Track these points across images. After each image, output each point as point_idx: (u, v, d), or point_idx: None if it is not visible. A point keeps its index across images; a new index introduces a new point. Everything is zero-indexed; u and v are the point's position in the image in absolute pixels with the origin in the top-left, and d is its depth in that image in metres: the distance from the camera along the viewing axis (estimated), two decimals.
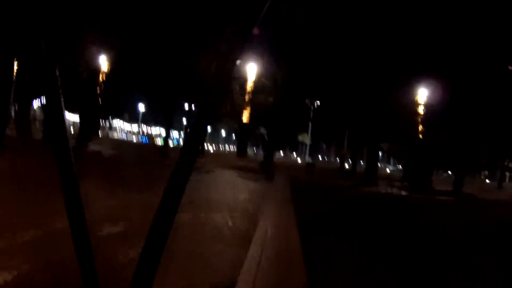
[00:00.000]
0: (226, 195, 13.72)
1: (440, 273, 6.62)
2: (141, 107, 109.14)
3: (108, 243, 6.07)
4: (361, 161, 59.26)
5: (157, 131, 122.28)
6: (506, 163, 53.21)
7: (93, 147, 32.20)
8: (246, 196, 14.20)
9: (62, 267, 4.19)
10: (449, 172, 77.54)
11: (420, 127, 36.61)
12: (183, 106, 45.15)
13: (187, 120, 45.45)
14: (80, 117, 38.01)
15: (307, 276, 5.12)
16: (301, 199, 14.46)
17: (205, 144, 59.87)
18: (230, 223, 8.92)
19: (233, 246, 6.78)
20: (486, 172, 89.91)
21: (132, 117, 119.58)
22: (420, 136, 34.83)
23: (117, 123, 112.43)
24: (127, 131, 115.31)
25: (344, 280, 5.49)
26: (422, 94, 43.63)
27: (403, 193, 24.20)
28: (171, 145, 50.06)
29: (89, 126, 36.25)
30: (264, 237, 7.18)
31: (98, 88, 36.86)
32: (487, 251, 8.83)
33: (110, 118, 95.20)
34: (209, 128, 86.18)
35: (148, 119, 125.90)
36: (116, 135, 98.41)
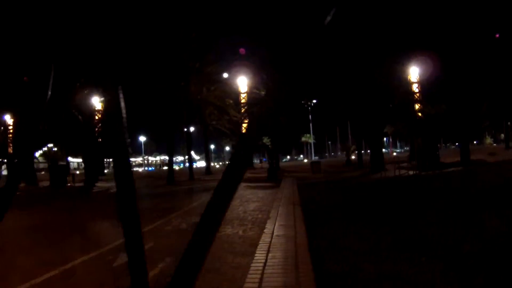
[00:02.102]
0: (236, 208, 13.89)
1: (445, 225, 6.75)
2: (142, 139, 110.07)
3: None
4: (368, 151, 59.39)
5: (163, 158, 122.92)
6: (506, 123, 53.16)
7: (102, 185, 32.39)
8: (256, 205, 14.35)
9: None
10: (456, 144, 77.54)
11: (418, 105, 36.79)
12: (182, 130, 45.41)
13: (188, 143, 45.63)
14: (84, 160, 38.36)
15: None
16: (310, 199, 14.60)
17: (211, 162, 59.91)
18: (240, 233, 9.12)
19: (243, 254, 7.00)
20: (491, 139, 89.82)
21: (134, 150, 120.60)
22: (419, 114, 34.98)
23: None
24: (133, 163, 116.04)
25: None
26: (414, 72, 43.92)
27: (412, 173, 24.24)
28: (176, 168, 50.27)
29: (94, 166, 36.59)
30: (270, 240, 7.34)
31: (95, 129, 37.15)
32: (489, 206, 8.92)
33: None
34: (212, 146, 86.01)
35: (152, 149, 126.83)
36: None
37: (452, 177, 18.88)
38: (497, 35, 34.76)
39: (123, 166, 1.61)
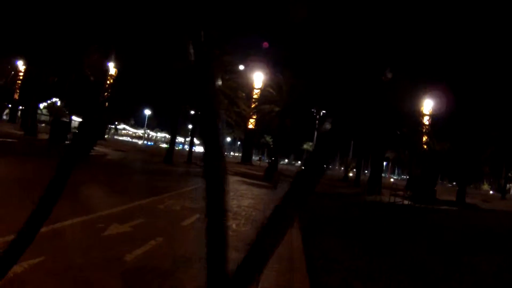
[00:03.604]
0: (230, 200, 14.00)
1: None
2: (147, 113, 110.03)
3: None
4: (366, 171, 59.44)
5: (163, 136, 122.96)
6: (510, 174, 53.12)
7: (100, 149, 32.33)
8: (250, 202, 14.45)
9: None
10: (454, 183, 77.59)
11: (425, 137, 36.82)
12: (188, 112, 45.39)
13: (193, 126, 45.67)
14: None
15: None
16: (305, 208, 14.71)
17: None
18: (234, 226, 9.23)
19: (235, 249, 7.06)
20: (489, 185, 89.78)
21: (138, 122, 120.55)
22: (425, 146, 35.03)
23: (123, 127, 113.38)
24: (133, 134, 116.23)
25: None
26: (427, 104, 43.96)
27: (406, 202, 24.33)
28: (175, 149, 50.28)
29: (95, 129, 36.30)
30: None
31: (105, 92, 37.12)
32: (480, 251, 9.03)
33: (116, 123, 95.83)
34: None
35: (154, 124, 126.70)
36: (120, 138, 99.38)
37: (446, 216, 19.00)
38: None
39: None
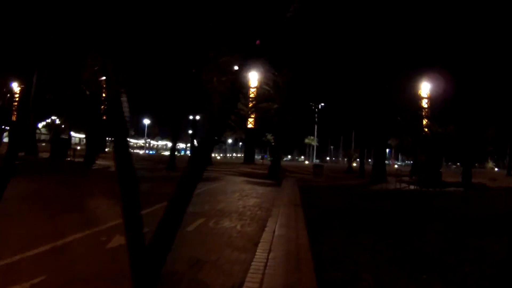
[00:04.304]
0: (235, 201, 13.88)
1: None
2: (147, 122, 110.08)
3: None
4: (369, 160, 59.24)
5: (164, 144, 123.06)
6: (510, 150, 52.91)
7: (102, 162, 32.36)
8: (255, 201, 14.33)
9: None
10: (458, 164, 77.35)
11: (425, 121, 36.65)
12: (188, 117, 45.30)
13: (193, 131, 45.61)
14: (86, 135, 38.28)
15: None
16: (311, 202, 14.58)
17: (212, 153, 59.73)
18: (238, 227, 9.11)
19: (242, 250, 6.98)
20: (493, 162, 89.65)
21: (138, 132, 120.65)
22: (426, 130, 34.84)
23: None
24: (134, 145, 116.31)
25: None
26: (425, 88, 43.79)
27: (412, 187, 24.18)
28: (177, 155, 50.24)
29: (96, 143, 36.50)
30: (272, 239, 7.33)
31: (101, 106, 37.15)
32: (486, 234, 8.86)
33: None
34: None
35: (155, 133, 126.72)
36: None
37: (454, 198, 18.82)
38: None
39: (122, 145, 1.75)
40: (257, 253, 6.28)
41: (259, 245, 6.86)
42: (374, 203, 14.71)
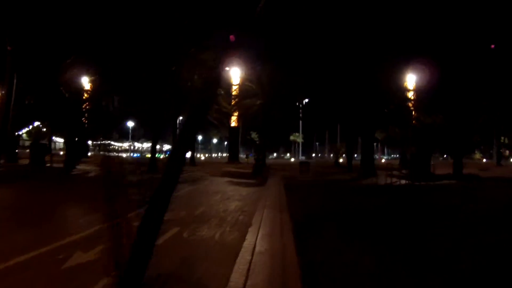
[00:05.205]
0: (216, 205, 12.64)
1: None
2: (130, 124, 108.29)
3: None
4: (355, 155, 58.37)
5: (149, 146, 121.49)
6: (502, 140, 52.54)
7: (83, 167, 31.38)
8: (237, 204, 13.08)
9: None
10: (444, 156, 77.11)
11: (413, 112, 35.83)
12: (170, 118, 44.00)
13: (174, 132, 44.41)
14: (66, 140, 36.97)
15: None
16: (299, 203, 13.39)
17: (196, 153, 58.55)
18: (217, 236, 7.88)
19: (219, 265, 5.85)
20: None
21: (123, 135, 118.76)
22: (414, 121, 33.99)
23: (107, 142, 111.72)
24: (119, 148, 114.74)
25: None
26: (412, 78, 43.12)
27: (404, 182, 23.12)
28: (161, 156, 49.08)
29: (77, 148, 35.60)
30: (251, 257, 6.07)
31: (82, 108, 36.19)
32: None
33: (101, 138, 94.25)
34: (200, 137, 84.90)
35: (139, 135, 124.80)
36: (107, 153, 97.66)
37: (448, 191, 17.85)
38: (492, 46, 34.54)
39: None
40: (231, 281, 5.01)
41: (235, 267, 5.59)
42: (368, 202, 13.51)
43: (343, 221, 9.50)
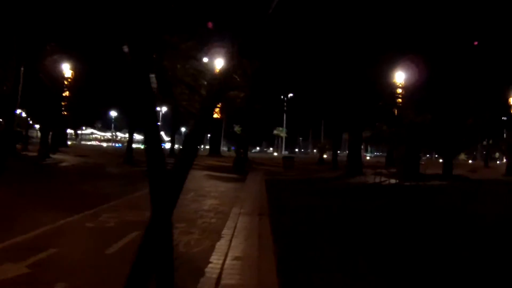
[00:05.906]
0: (188, 203, 11.08)
1: None
2: (113, 114, 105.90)
3: None
4: (338, 151, 57.36)
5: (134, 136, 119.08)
6: (488, 142, 52.18)
7: (58, 157, 30.75)
8: (213, 203, 11.58)
9: None
10: (427, 155, 76.74)
11: (401, 110, 34.85)
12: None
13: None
14: (41, 128, 35.25)
15: None
16: (282, 204, 11.94)
17: (176, 145, 57.02)
18: (181, 247, 6.37)
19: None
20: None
21: (105, 124, 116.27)
22: (404, 120, 33.02)
23: (90, 131, 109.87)
24: (99, 138, 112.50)
25: None
26: (400, 75, 42.30)
27: (393, 181, 21.89)
28: (142, 147, 47.52)
29: (55, 137, 34.23)
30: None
31: (63, 96, 34.85)
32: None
33: (83, 128, 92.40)
34: (183, 129, 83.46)
35: (122, 125, 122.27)
36: (88, 143, 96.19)
37: (441, 193, 16.72)
38: (476, 43, 34.49)
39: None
40: None
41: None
42: (362, 204, 12.04)
43: (337, 232, 8.04)
